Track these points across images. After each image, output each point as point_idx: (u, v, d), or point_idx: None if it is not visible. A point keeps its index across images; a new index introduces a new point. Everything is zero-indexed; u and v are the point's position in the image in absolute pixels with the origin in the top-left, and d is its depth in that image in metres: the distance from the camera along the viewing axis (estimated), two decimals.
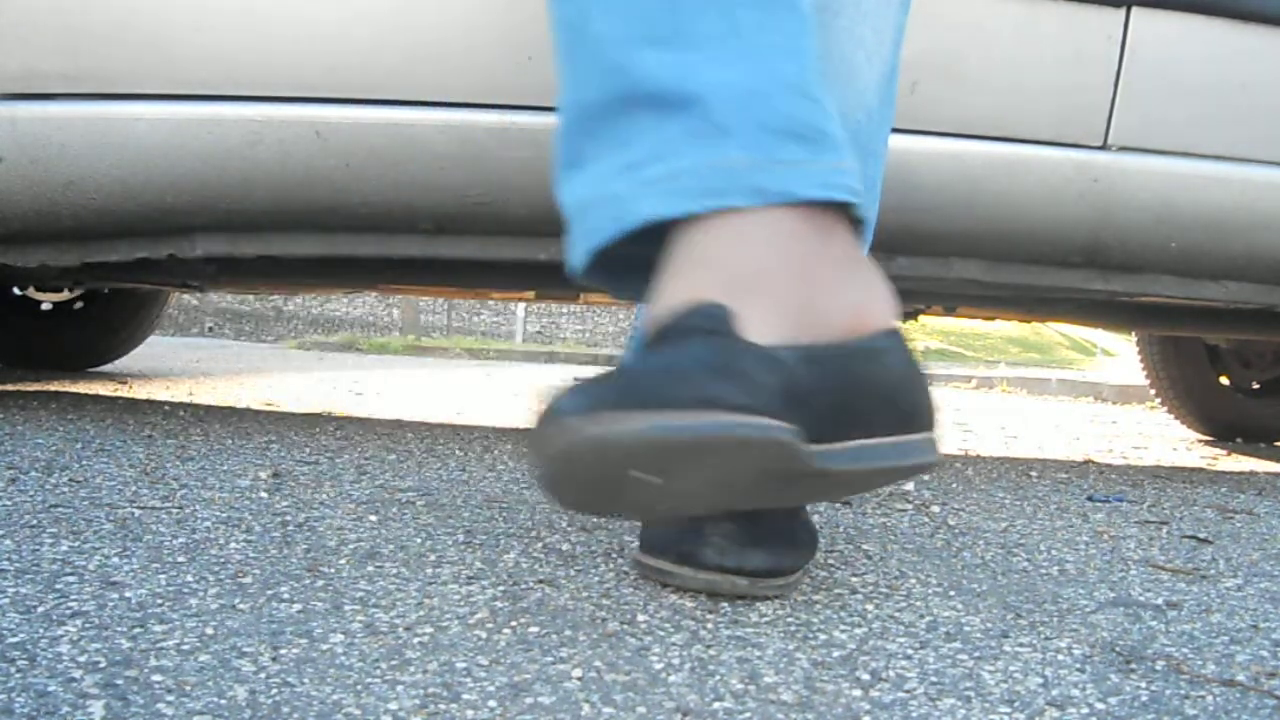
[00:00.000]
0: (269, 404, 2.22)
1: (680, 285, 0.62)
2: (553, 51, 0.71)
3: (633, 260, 0.68)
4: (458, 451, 1.41)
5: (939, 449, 0.68)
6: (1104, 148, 1.30)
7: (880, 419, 0.64)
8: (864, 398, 0.64)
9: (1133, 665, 0.63)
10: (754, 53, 0.65)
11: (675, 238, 0.64)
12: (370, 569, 0.75)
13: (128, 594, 0.66)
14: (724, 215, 0.63)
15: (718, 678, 0.57)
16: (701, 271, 0.62)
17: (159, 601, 0.65)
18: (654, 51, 0.64)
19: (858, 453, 0.62)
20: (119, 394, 2.05)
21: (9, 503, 0.89)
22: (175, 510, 0.91)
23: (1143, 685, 0.60)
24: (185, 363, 3.87)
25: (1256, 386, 2.69)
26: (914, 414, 0.67)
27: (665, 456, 0.55)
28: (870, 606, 0.73)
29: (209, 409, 1.85)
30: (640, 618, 0.67)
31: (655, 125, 0.64)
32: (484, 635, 0.62)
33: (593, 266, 0.67)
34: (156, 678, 0.53)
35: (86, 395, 1.90)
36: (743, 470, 0.59)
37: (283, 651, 0.57)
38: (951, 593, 0.78)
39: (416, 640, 0.60)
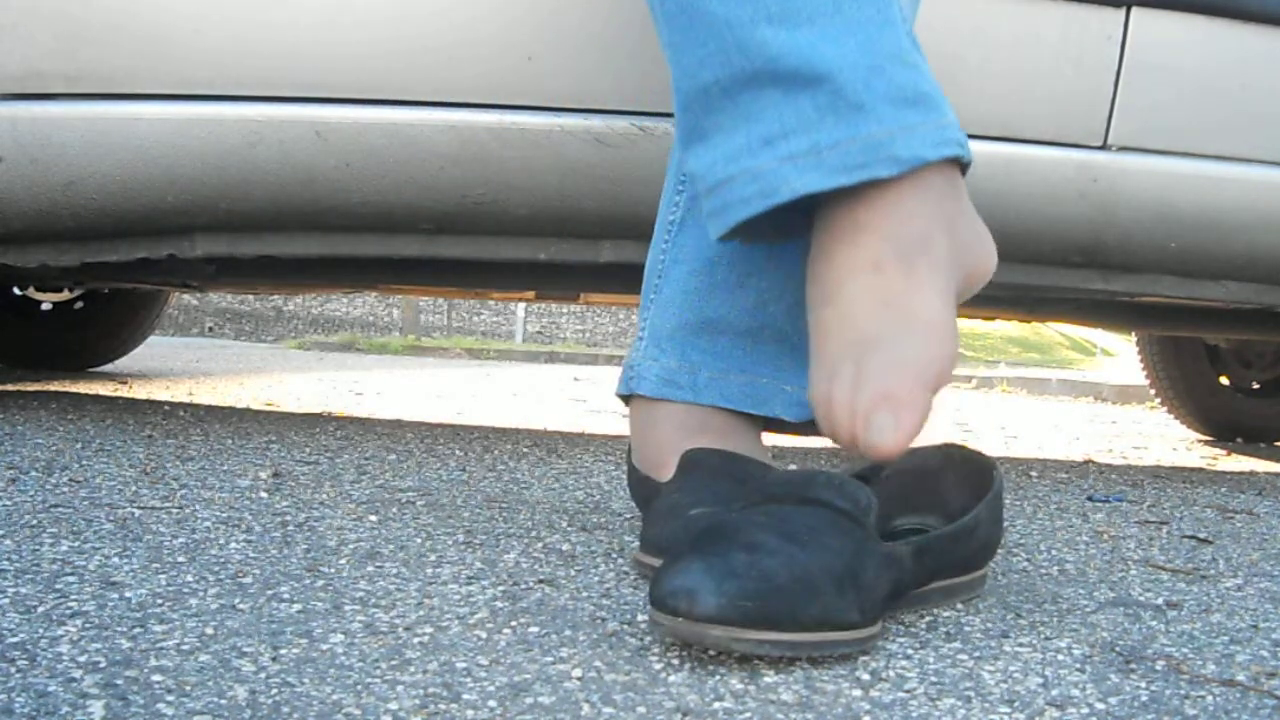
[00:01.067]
0: (269, 404, 2.22)
1: (850, 252, 0.68)
2: (660, 28, 0.75)
3: (773, 224, 0.72)
4: (458, 451, 1.41)
5: (985, 583, 0.78)
6: (1104, 148, 1.29)
7: (949, 570, 0.72)
8: (950, 568, 0.72)
9: (1133, 665, 0.63)
10: (858, 27, 0.68)
11: (828, 208, 0.69)
12: (370, 569, 0.75)
13: (128, 594, 0.66)
14: (871, 185, 0.67)
15: (718, 678, 0.57)
16: (869, 238, 0.67)
17: (159, 601, 0.65)
18: (773, 29, 0.67)
19: (911, 598, 0.69)
20: (119, 394, 2.05)
21: (9, 503, 0.89)
22: (175, 510, 0.91)
23: (1143, 685, 0.60)
24: (185, 363, 3.87)
25: (1256, 386, 2.69)
26: (977, 564, 0.75)
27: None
28: None
29: (209, 409, 1.85)
30: (640, 618, 0.67)
31: (785, 100, 0.68)
32: (484, 635, 0.62)
33: (734, 235, 0.71)
34: (156, 678, 0.53)
35: (86, 395, 1.90)
36: None
37: (283, 651, 0.57)
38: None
39: (416, 640, 0.60)
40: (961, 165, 0.72)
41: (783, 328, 0.83)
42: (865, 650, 0.62)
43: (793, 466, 1.43)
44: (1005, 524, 1.08)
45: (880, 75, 0.68)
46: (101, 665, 0.54)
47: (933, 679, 0.59)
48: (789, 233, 0.74)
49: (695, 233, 0.85)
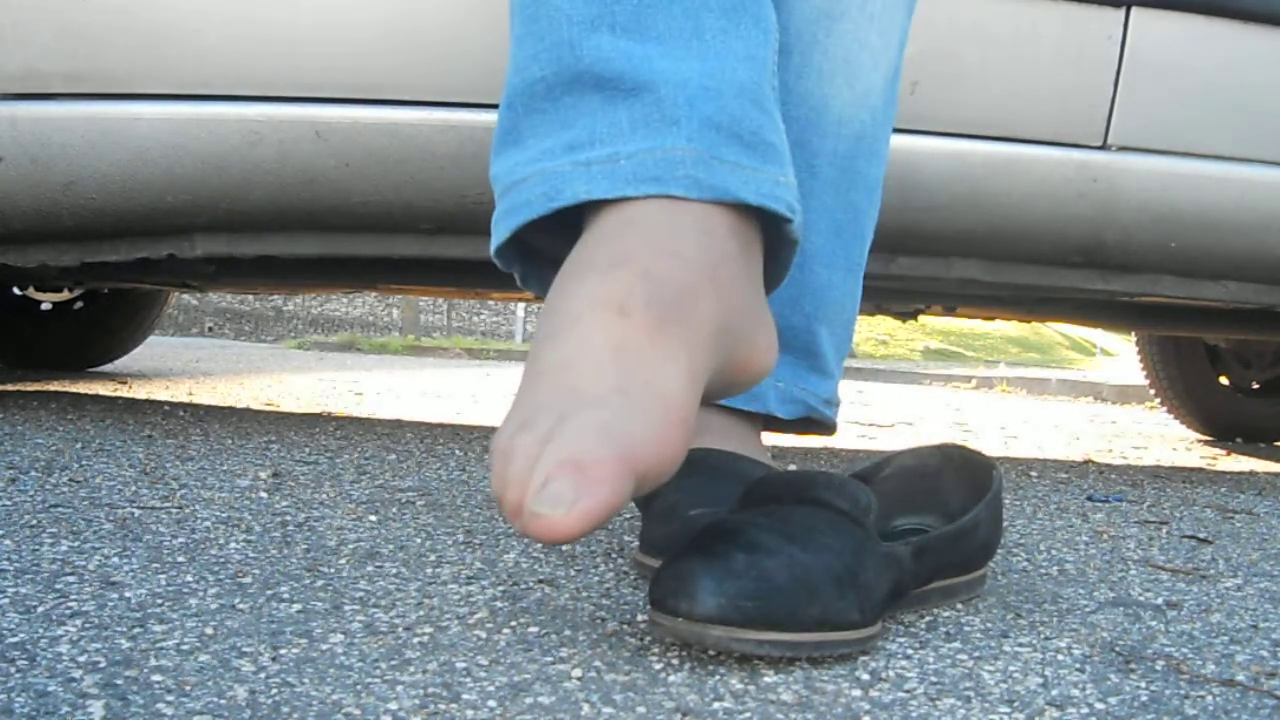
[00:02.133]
0: (269, 404, 2.22)
1: (597, 286, 0.56)
2: (511, 23, 0.68)
3: (552, 253, 0.65)
4: (458, 451, 1.41)
5: (984, 583, 0.78)
6: (1104, 148, 1.30)
7: (949, 570, 0.72)
8: (950, 568, 0.72)
9: (1133, 665, 0.63)
10: (713, 54, 0.62)
11: (596, 227, 0.60)
12: (370, 569, 0.75)
13: (127, 594, 0.66)
14: (657, 203, 0.59)
15: (718, 678, 0.57)
16: (624, 273, 0.57)
17: (159, 601, 0.65)
18: (611, 36, 0.62)
19: (911, 598, 0.69)
20: (119, 394, 2.05)
21: (9, 503, 0.89)
22: (175, 510, 0.91)
23: (1143, 685, 0.60)
24: (185, 363, 3.87)
25: (1256, 386, 2.69)
26: (978, 564, 0.75)
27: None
28: None
29: (209, 409, 1.85)
30: (640, 618, 0.67)
31: (601, 109, 0.62)
32: (484, 635, 0.62)
33: (510, 249, 0.64)
34: (156, 678, 0.53)
35: (86, 395, 1.90)
36: None
37: (283, 651, 0.57)
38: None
39: (416, 640, 0.60)
40: (772, 239, 0.64)
41: (776, 325, 0.83)
42: (865, 650, 0.62)
43: (793, 466, 1.43)
44: (1005, 524, 1.08)
45: (714, 100, 0.61)
46: (101, 665, 0.54)
47: (933, 679, 0.59)
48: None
49: None
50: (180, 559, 0.74)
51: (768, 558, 0.59)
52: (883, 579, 0.63)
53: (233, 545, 0.79)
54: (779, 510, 0.64)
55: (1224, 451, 2.38)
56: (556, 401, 0.53)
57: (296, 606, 0.65)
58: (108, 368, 2.86)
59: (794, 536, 0.61)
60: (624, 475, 0.50)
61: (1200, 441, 2.67)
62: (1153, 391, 2.84)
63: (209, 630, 0.60)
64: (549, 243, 0.65)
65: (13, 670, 0.52)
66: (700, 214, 0.60)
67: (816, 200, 0.82)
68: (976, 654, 0.64)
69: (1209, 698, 0.58)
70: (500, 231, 0.63)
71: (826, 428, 0.88)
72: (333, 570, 0.74)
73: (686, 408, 0.55)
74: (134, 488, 1.00)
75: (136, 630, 0.59)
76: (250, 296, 11.89)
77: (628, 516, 0.99)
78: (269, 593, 0.68)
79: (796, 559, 0.59)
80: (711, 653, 0.60)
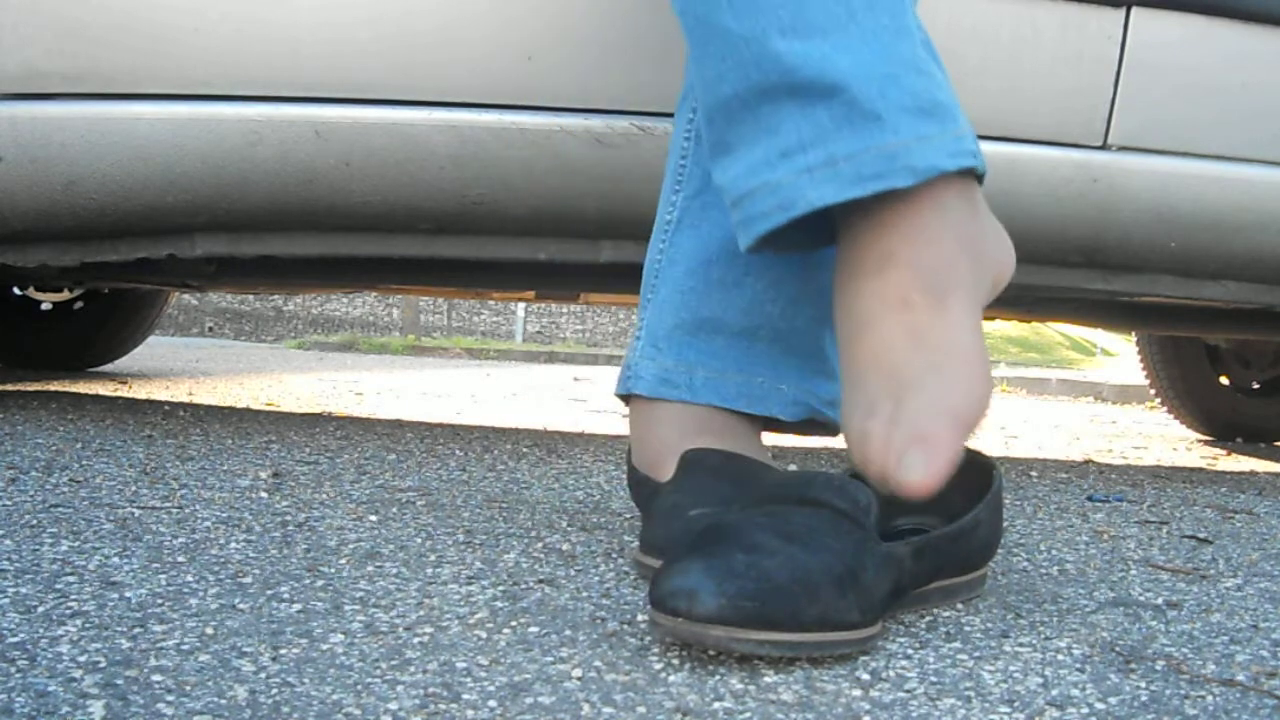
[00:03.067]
0: (269, 404, 2.22)
1: (878, 286, 0.68)
2: (684, 43, 0.76)
3: (802, 234, 0.72)
4: (458, 451, 1.41)
5: (985, 583, 0.79)
6: (1104, 147, 1.29)
7: (949, 569, 0.73)
8: (950, 568, 0.73)
9: (1133, 665, 0.63)
10: (873, 36, 0.68)
11: (850, 230, 0.70)
12: (370, 569, 0.75)
13: (128, 594, 0.66)
14: (887, 197, 0.67)
15: (718, 677, 0.57)
16: (896, 271, 0.67)
17: (159, 601, 0.65)
18: (786, 42, 0.67)
19: (911, 598, 0.70)
20: (119, 394, 2.05)
21: (9, 503, 0.89)
22: (175, 510, 0.91)
23: (1143, 685, 0.60)
24: (185, 363, 3.87)
25: (1256, 386, 2.69)
26: (977, 564, 0.76)
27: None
28: None
29: (209, 409, 1.85)
30: (640, 618, 0.67)
31: (801, 112, 0.68)
32: (484, 635, 0.62)
33: (762, 247, 0.72)
34: (156, 677, 0.53)
35: (86, 395, 1.90)
36: None
37: (283, 651, 0.57)
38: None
39: (416, 640, 0.60)
40: (977, 175, 0.72)
41: (779, 328, 0.83)
42: (865, 650, 0.62)
43: (793, 467, 1.43)
44: (1005, 524, 1.08)
45: (895, 84, 0.67)
46: (101, 665, 0.54)
47: (933, 679, 0.59)
48: (820, 241, 0.74)
49: (691, 233, 0.85)
50: (180, 559, 0.74)
51: (767, 558, 0.59)
52: (883, 579, 0.63)
53: (233, 545, 0.79)
54: (779, 510, 0.64)
55: (1224, 451, 2.38)
56: (888, 388, 0.65)
57: (297, 606, 0.65)
58: (108, 368, 2.86)
59: (794, 536, 0.61)
60: (957, 436, 0.64)
61: (1200, 441, 2.67)
62: (1153, 391, 2.84)
63: (209, 630, 0.60)
64: (800, 225, 0.71)
65: (13, 670, 0.52)
66: (928, 195, 0.68)
67: None
68: (977, 654, 0.64)
69: (1209, 698, 0.58)
70: (745, 239, 0.71)
71: (831, 429, 0.88)
72: (333, 570, 0.74)
73: (981, 353, 0.67)
74: (134, 488, 1.00)
75: (137, 630, 0.59)
76: (250, 296, 11.89)
77: (628, 516, 0.99)
78: (269, 593, 0.68)
79: (796, 559, 0.59)
80: (712, 653, 0.60)
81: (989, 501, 0.73)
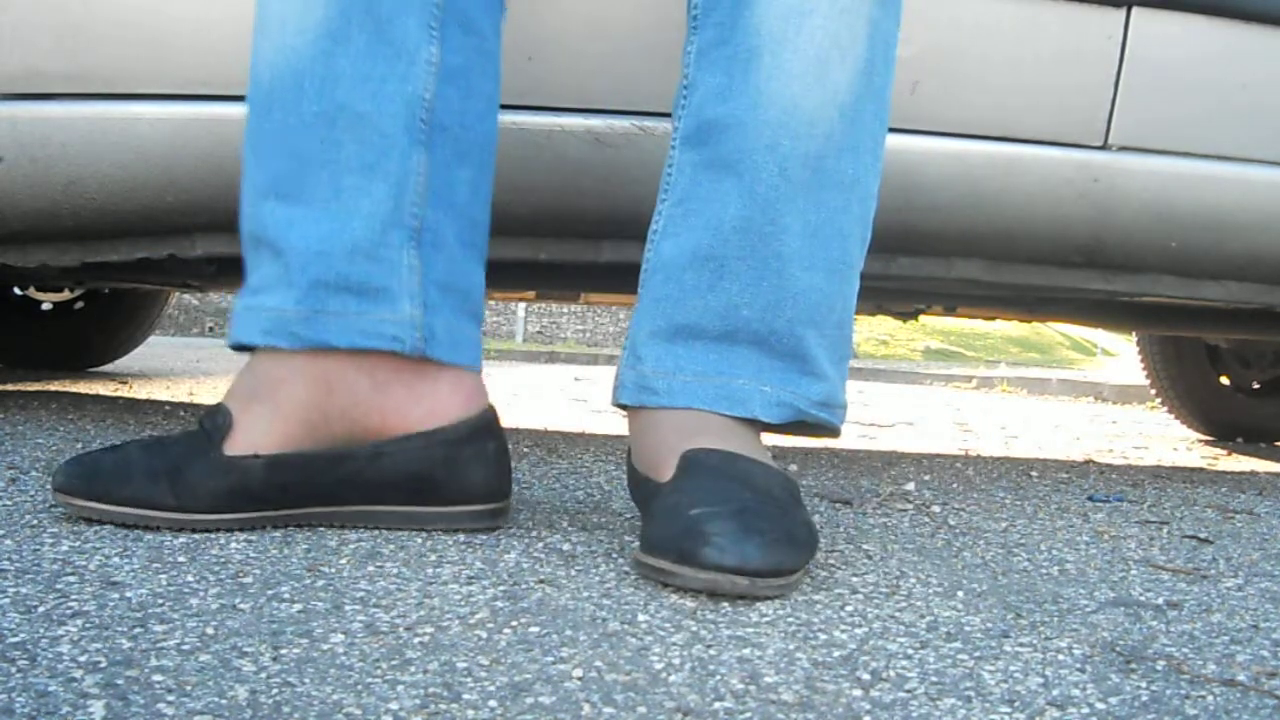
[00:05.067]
0: None
1: (230, 388, 0.86)
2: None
3: None
4: None
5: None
6: (1104, 148, 1.29)
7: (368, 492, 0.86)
8: (316, 498, 0.85)
9: (1133, 665, 0.63)
10: (342, 215, 0.82)
11: (253, 359, 0.86)
12: (370, 569, 0.75)
13: (128, 594, 0.66)
14: (270, 353, 0.84)
15: (718, 678, 0.57)
16: (238, 383, 0.85)
17: (159, 601, 0.65)
18: (273, 204, 0.83)
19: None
20: (119, 394, 2.05)
21: (9, 503, 0.89)
22: None
23: (1143, 685, 0.60)
24: (185, 363, 3.87)
25: (1256, 386, 2.69)
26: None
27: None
28: (871, 606, 0.73)
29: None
30: (640, 618, 0.67)
31: (265, 263, 0.84)
32: (484, 635, 0.62)
33: (237, 348, 0.87)
34: (157, 677, 0.53)
35: (86, 395, 1.90)
36: None
37: (283, 651, 0.57)
38: (952, 593, 0.78)
39: (417, 640, 0.60)
40: (400, 355, 0.84)
41: (757, 330, 0.83)
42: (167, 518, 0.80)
43: (793, 467, 1.43)
44: (1006, 523, 1.08)
45: (323, 262, 0.81)
46: (102, 665, 0.54)
47: (933, 679, 0.59)
48: None
49: (670, 241, 0.85)
50: (181, 559, 0.74)
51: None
52: (216, 479, 0.82)
53: (233, 545, 0.79)
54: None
55: (1224, 451, 2.38)
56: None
57: (297, 606, 0.65)
58: (108, 368, 2.86)
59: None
60: None
61: (1201, 441, 2.67)
62: (1153, 391, 2.84)
63: (210, 630, 0.60)
64: None
65: (13, 670, 0.52)
66: (306, 355, 0.83)
67: (789, 204, 0.82)
68: (977, 654, 0.64)
69: (1210, 698, 0.58)
70: (229, 339, 0.88)
71: (825, 429, 0.88)
72: (333, 570, 0.74)
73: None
74: None
75: (137, 630, 0.59)
76: None
77: (628, 516, 0.99)
78: (270, 592, 0.68)
79: (120, 454, 0.83)
80: (712, 651, 0.60)
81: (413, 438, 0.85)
